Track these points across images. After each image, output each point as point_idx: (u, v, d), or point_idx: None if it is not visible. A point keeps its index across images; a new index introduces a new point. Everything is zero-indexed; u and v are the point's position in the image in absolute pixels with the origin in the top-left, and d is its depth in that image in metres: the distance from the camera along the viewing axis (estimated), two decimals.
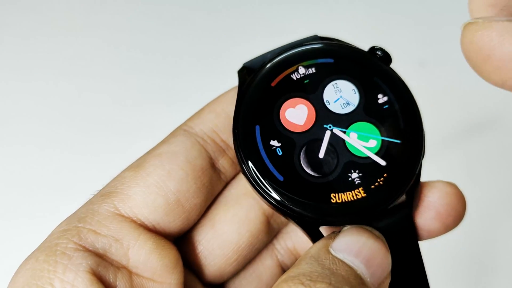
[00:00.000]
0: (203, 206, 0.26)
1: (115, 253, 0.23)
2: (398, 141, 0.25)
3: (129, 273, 0.23)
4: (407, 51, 0.60)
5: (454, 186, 0.25)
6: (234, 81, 0.27)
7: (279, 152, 0.24)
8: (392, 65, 0.27)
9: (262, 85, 0.25)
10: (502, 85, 0.20)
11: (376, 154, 0.24)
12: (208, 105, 0.27)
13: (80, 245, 0.23)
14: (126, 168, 0.26)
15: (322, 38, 0.28)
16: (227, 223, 0.26)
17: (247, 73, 0.27)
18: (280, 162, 0.24)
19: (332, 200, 0.24)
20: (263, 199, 0.24)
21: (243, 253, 0.26)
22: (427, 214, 0.25)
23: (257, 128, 0.25)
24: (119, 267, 0.23)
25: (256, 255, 0.28)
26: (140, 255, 0.23)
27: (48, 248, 0.22)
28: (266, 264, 0.28)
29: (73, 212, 0.25)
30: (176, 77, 0.62)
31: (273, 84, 0.26)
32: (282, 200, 0.24)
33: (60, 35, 0.65)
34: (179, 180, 0.25)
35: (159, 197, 0.24)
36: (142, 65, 0.63)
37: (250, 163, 0.24)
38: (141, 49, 0.64)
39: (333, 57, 0.26)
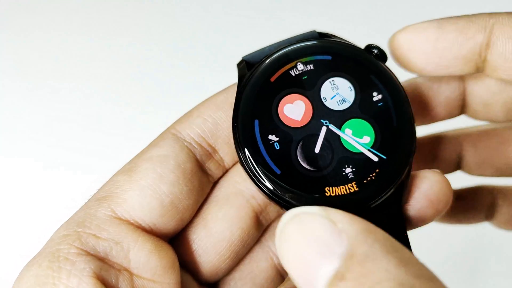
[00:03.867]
0: (195, 207, 0.27)
1: (116, 256, 0.23)
2: (390, 139, 0.25)
3: (130, 274, 0.23)
4: None
5: (440, 173, 0.26)
6: (233, 74, 0.27)
7: (277, 147, 0.25)
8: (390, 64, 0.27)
9: (261, 80, 0.26)
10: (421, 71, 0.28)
11: (369, 150, 0.25)
12: (196, 108, 0.27)
13: (82, 250, 0.22)
14: (118, 172, 0.26)
15: (321, 34, 0.28)
16: (219, 222, 0.27)
17: (246, 66, 0.27)
18: (277, 156, 0.25)
19: (326, 193, 0.24)
20: (260, 190, 0.25)
21: (236, 250, 0.27)
22: (420, 204, 0.26)
23: (256, 122, 0.25)
24: (120, 269, 0.23)
25: (251, 256, 0.28)
26: (140, 257, 0.24)
27: (50, 254, 0.22)
28: (261, 266, 0.28)
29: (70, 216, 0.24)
30: (174, 71, 0.61)
31: (272, 79, 0.26)
32: (278, 192, 0.24)
33: (59, 34, 0.64)
34: (171, 183, 0.25)
35: (154, 199, 0.25)
36: (140, 62, 0.62)
37: (249, 157, 0.24)
38: (138, 45, 0.63)
39: (331, 54, 0.26)
